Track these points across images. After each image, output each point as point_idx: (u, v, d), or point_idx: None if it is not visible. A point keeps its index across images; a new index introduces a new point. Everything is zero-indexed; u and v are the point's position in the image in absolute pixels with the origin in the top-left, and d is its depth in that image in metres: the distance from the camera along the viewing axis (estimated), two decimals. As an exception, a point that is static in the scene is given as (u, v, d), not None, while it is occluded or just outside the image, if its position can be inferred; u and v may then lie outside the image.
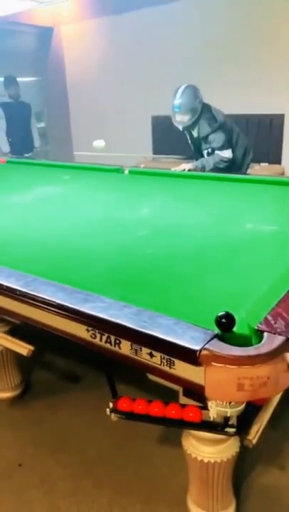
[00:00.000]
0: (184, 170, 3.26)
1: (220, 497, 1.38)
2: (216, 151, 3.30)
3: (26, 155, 4.89)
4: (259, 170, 4.70)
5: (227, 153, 3.32)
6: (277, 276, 1.33)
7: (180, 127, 3.35)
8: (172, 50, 5.31)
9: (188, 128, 3.36)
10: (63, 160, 4.92)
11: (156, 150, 5.38)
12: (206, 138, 3.31)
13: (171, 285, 1.41)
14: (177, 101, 3.22)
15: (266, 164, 4.91)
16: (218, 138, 3.28)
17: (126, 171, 3.29)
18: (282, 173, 4.83)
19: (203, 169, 3.30)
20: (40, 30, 6.41)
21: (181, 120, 3.28)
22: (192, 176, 3.08)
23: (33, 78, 6.67)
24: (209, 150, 3.34)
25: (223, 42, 4.95)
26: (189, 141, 3.60)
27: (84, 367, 2.25)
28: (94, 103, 6.32)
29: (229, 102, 4.98)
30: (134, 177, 3.23)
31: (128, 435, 1.81)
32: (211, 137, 3.28)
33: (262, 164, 4.90)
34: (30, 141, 5.04)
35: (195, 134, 3.40)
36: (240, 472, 1.61)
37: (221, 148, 3.29)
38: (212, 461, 1.28)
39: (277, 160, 4.95)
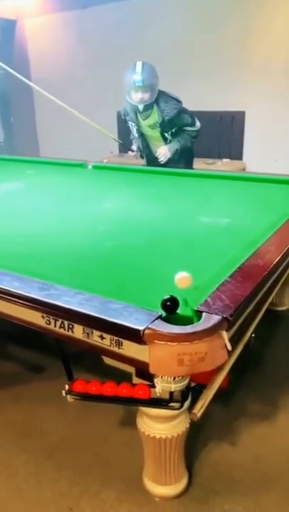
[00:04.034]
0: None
1: (173, 470, 1.48)
2: (188, 128, 3.19)
3: (-10, 149, 4.85)
4: (221, 165, 4.86)
5: (198, 123, 3.25)
6: (222, 264, 1.44)
7: (140, 106, 3.03)
8: (136, 47, 5.35)
9: (144, 111, 3.06)
10: (28, 154, 4.91)
11: (121, 145, 5.44)
12: (173, 119, 3.07)
13: (127, 274, 1.49)
14: (137, 76, 2.89)
15: (228, 160, 5.07)
16: (186, 114, 3.15)
17: (90, 166, 3.35)
18: (244, 169, 5.00)
19: (180, 149, 3.21)
20: (2, 22, 6.30)
21: (142, 98, 2.96)
22: (154, 171, 3.17)
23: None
24: (173, 130, 3.15)
25: (186, 41, 5.05)
26: (135, 134, 3.34)
27: (47, 357, 2.30)
28: (59, 97, 6.28)
29: (192, 99, 5.09)
30: (97, 172, 3.29)
31: (88, 420, 1.89)
32: (181, 116, 3.09)
33: (224, 160, 5.05)
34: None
35: (153, 119, 3.13)
36: (193, 448, 1.72)
37: (192, 123, 3.20)
38: (164, 437, 1.38)
39: (239, 156, 5.11)
